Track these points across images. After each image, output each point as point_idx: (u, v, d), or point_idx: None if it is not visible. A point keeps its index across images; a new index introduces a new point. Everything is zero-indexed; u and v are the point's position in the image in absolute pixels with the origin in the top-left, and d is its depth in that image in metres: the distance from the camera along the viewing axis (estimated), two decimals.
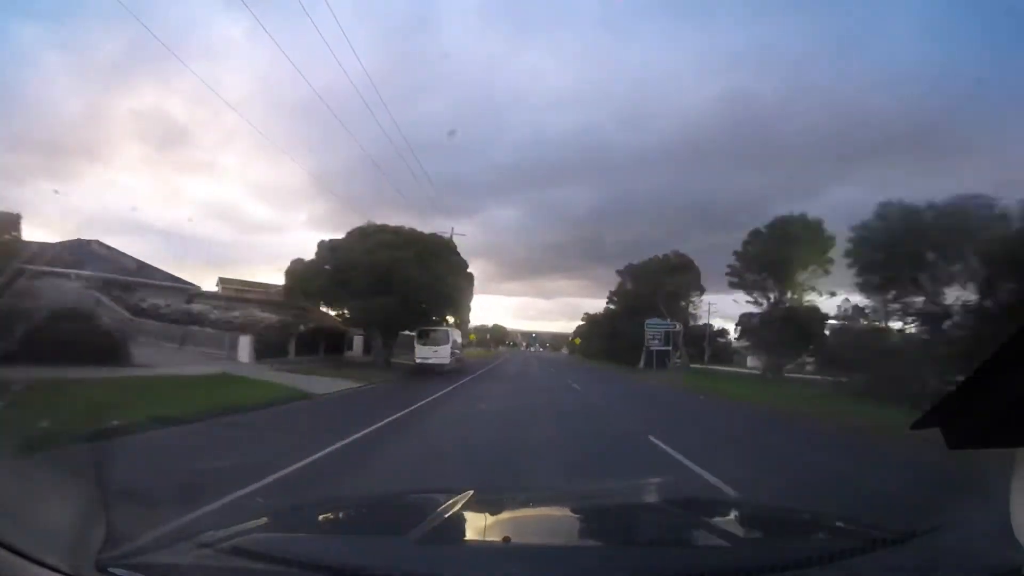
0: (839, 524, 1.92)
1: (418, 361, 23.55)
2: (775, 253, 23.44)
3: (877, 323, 16.49)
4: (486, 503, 2.00)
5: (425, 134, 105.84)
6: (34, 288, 10.91)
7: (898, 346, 14.63)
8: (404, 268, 22.50)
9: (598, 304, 73.88)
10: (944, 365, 11.20)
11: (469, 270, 28.15)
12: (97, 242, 24.19)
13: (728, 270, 27.00)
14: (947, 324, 13.40)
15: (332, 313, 27.05)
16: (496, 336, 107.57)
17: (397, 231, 24.31)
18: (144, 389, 9.68)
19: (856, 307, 17.70)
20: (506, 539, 1.52)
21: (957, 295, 14.21)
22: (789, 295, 23.91)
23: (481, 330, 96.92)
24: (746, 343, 67.99)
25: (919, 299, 14.46)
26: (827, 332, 22.70)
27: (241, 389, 11.13)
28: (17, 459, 3.53)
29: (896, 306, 15.17)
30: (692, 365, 35.39)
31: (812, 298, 24.26)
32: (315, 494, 4.42)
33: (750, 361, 59.84)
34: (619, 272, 40.51)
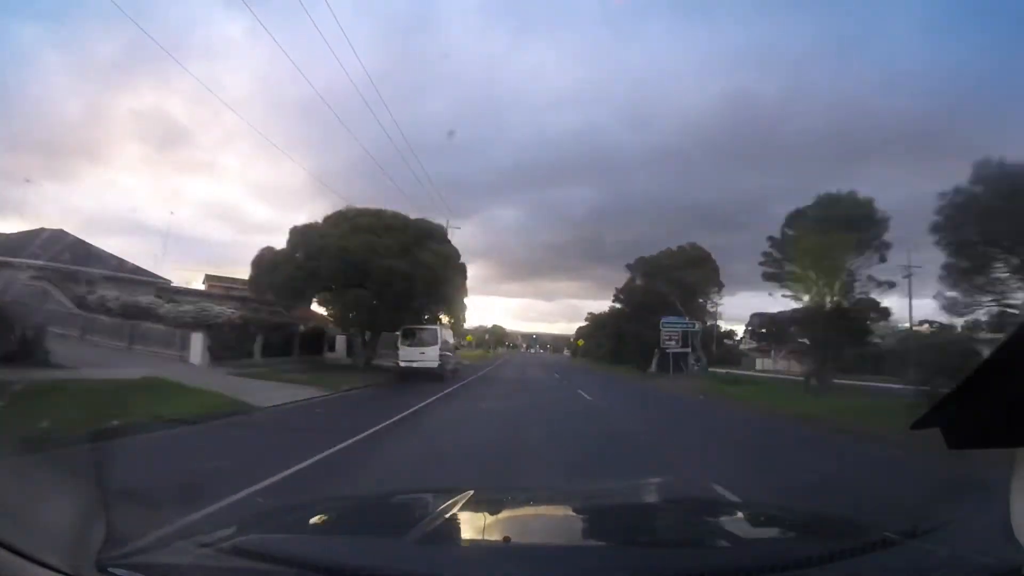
0: (839, 524, 1.93)
1: (402, 364, 21.19)
2: (821, 237, 19.18)
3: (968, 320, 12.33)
4: (486, 503, 2.02)
5: (425, 134, 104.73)
6: None
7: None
8: (383, 256, 19.92)
9: (599, 305, 71.78)
10: None
11: (462, 261, 23.87)
12: (62, 231, 23.07)
13: (763, 259, 22.55)
14: None
15: (323, 311, 25.38)
16: (495, 337, 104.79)
17: (377, 214, 21.19)
18: (20, 399, 7.89)
19: (950, 299, 13.40)
20: (506, 539, 1.54)
21: None
22: (837, 287, 19.66)
23: (480, 331, 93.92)
24: (754, 344, 64.12)
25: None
26: (887, 330, 18.48)
27: (160, 400, 9.55)
28: (18, 459, 3.37)
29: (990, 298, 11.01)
30: (710, 369, 30.90)
31: (866, 290, 19.73)
32: (315, 494, 4.25)
33: (759, 364, 56.11)
34: (629, 266, 36.99)
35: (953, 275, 13.71)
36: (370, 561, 1.28)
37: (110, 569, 1.19)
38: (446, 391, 16.26)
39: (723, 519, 2.12)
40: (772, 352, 67.52)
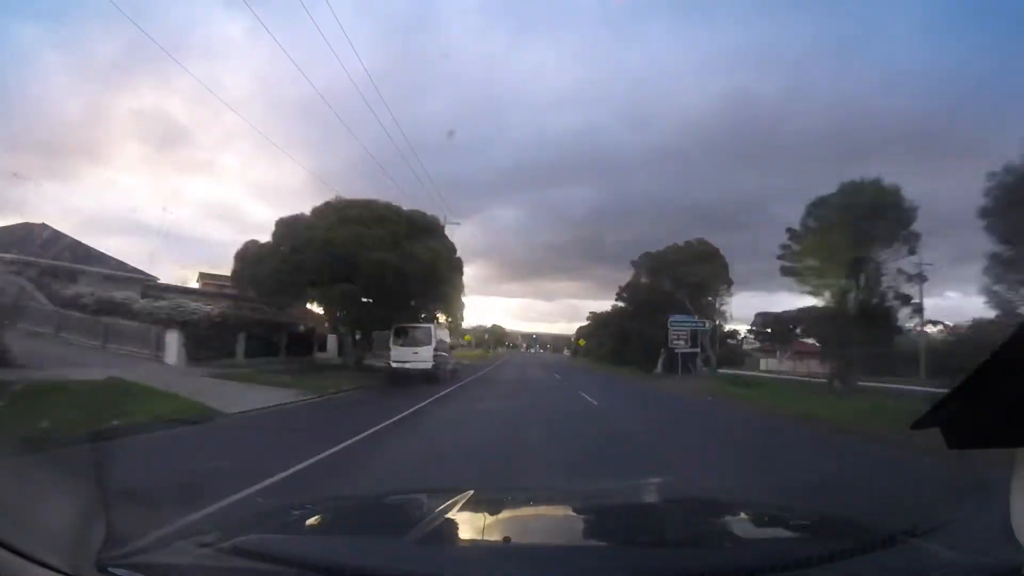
0: (839, 524, 1.96)
1: (393, 365, 20.08)
2: (846, 227, 17.56)
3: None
4: (486, 503, 2.05)
5: (426, 134, 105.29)
6: None
7: None
8: (372, 248, 18.63)
9: (599, 305, 71.17)
10: None
11: (459, 256, 22.48)
12: (43, 225, 22.36)
13: (780, 251, 20.89)
14: None
15: (319, 310, 24.35)
16: (495, 337, 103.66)
17: (368, 205, 19.67)
18: None
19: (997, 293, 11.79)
20: (506, 539, 1.57)
21: None
22: (862, 281, 18.09)
23: (479, 331, 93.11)
24: (756, 344, 63.01)
25: None
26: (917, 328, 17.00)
27: (113, 405, 8.60)
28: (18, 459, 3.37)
29: None
30: (718, 370, 29.37)
31: (894, 285, 18.18)
32: (314, 494, 4.17)
33: (763, 364, 55.42)
34: (633, 263, 35.59)
35: (1000, 266, 12.09)
36: (370, 561, 1.30)
37: (110, 569, 1.20)
38: (438, 395, 15.24)
39: (723, 519, 2.13)
40: (777, 352, 66.35)
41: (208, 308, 20.10)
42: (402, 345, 20.05)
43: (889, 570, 1.44)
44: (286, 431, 9.00)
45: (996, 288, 13.09)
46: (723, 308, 36.12)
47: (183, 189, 78.40)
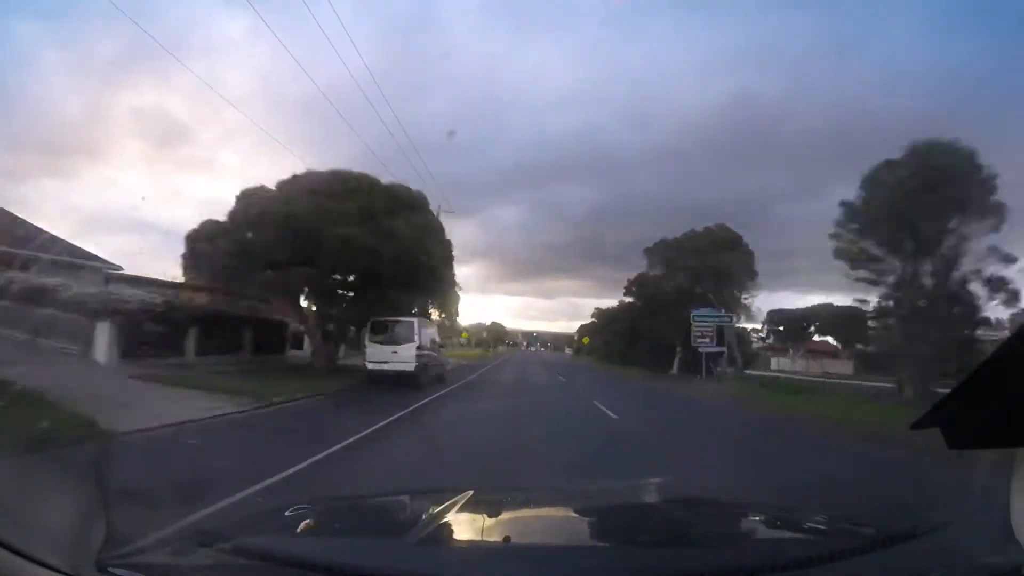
0: (839, 524, 1.97)
1: (368, 367, 17.26)
2: (918, 197, 14.09)
3: None
4: (486, 503, 2.07)
5: (426, 134, 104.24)
6: None
7: None
8: (338, 224, 15.54)
9: (600, 303, 68.70)
10: None
11: (448, 238, 19.40)
12: None
13: (834, 230, 17.36)
14: None
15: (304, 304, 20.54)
16: (495, 335, 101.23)
17: (337, 174, 18.21)
18: None
19: None
20: (506, 539, 1.57)
21: None
22: (939, 263, 14.59)
23: (478, 329, 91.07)
24: (762, 343, 59.93)
25: None
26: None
27: None
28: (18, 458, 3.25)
29: None
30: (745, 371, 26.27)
31: (978, 267, 14.74)
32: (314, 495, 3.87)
33: (774, 363, 52.66)
34: (647, 251, 31.60)
35: None
36: (370, 561, 1.33)
37: (110, 569, 1.22)
38: (411, 407, 12.59)
39: (723, 519, 2.17)
40: (790, 351, 64.29)
41: (149, 296, 17.78)
42: (379, 343, 17.76)
43: (889, 570, 1.46)
44: (163, 468, 6.27)
45: None
46: (748, 302, 32.47)
47: (183, 187, 79.29)
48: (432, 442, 8.86)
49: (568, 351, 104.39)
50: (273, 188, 19.11)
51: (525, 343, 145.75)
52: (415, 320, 18.53)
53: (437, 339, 22.23)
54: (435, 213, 22.29)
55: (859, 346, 47.70)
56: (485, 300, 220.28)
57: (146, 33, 25.20)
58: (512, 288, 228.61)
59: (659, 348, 31.93)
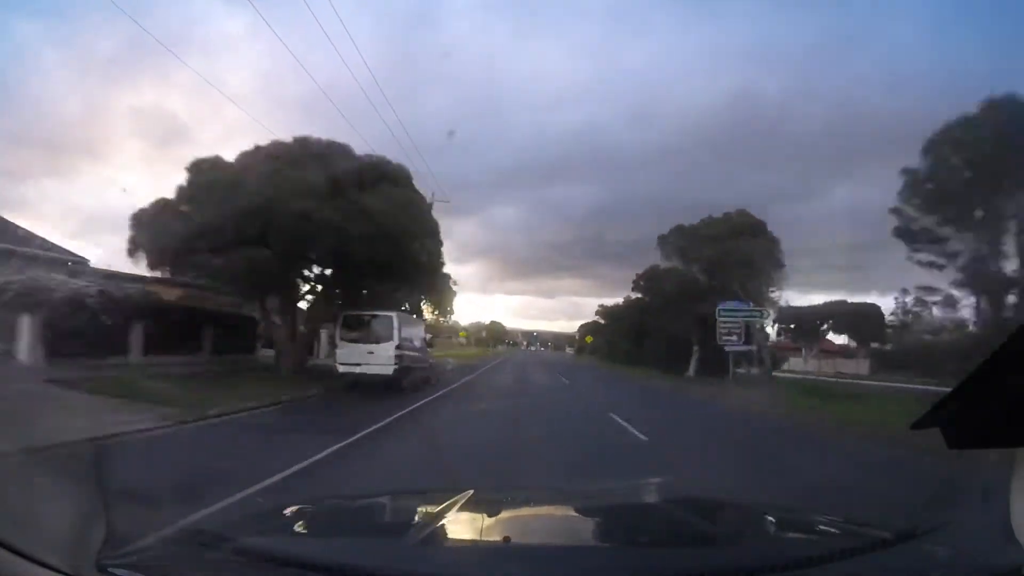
0: (840, 524, 1.97)
1: (340, 369, 14.94)
2: (997, 162, 11.32)
3: None
4: (486, 503, 2.09)
5: (426, 133, 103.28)
6: None
7: None
8: (297, 197, 12.76)
9: (603, 302, 65.59)
10: None
11: (435, 218, 17.04)
12: None
13: (896, 205, 14.47)
14: None
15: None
16: (494, 335, 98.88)
17: (303, 142, 12.19)
18: None
19: None
20: (506, 539, 1.59)
21: None
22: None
23: (478, 328, 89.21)
24: (781, 341, 57.69)
25: None
26: None
27: None
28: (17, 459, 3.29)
29: None
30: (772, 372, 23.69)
31: None
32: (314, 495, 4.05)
33: (786, 364, 51.38)
34: (660, 239, 28.63)
35: None
36: (370, 561, 1.34)
37: (110, 569, 1.22)
38: (404, 411, 10.69)
39: (724, 519, 2.21)
40: (803, 351, 61.36)
41: (81, 284, 15.15)
42: (352, 341, 15.78)
43: (889, 570, 1.47)
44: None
45: None
46: (775, 296, 28.82)
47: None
48: (398, 478, 6.41)
49: (569, 351, 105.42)
50: (232, 161, 16.47)
51: (525, 343, 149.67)
52: (394, 315, 16.27)
53: (424, 336, 20.00)
54: (428, 200, 19.66)
55: (875, 344, 45.30)
56: (485, 299, 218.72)
57: (145, 31, 23.73)
58: (512, 287, 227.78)
59: (673, 347, 29.57)
